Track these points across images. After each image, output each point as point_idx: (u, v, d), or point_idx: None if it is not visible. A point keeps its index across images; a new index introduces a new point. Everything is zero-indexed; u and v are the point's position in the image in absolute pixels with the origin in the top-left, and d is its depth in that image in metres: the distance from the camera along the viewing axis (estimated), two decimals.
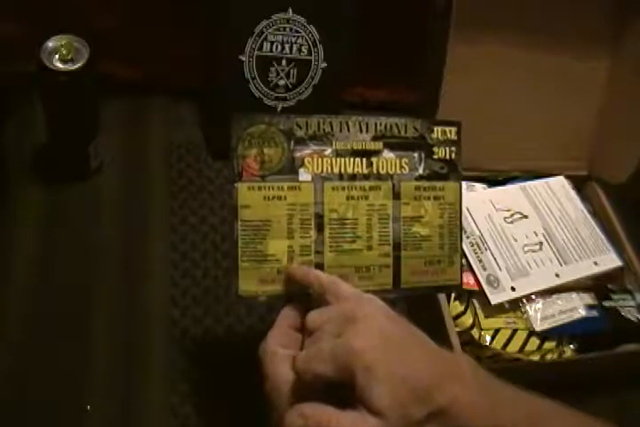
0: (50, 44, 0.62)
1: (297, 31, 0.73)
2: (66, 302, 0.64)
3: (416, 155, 0.53)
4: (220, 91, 0.75)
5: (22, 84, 0.68)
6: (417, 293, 0.54)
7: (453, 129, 0.55)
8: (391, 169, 0.52)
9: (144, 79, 0.78)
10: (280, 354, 0.45)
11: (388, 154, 0.52)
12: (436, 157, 0.54)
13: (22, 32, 0.72)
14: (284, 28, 0.73)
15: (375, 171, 0.52)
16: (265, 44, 0.73)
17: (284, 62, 0.74)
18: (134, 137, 0.78)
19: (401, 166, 0.53)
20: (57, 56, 0.62)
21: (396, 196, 0.53)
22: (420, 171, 0.53)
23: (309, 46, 0.74)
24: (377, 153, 0.52)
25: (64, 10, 0.71)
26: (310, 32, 0.74)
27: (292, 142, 0.50)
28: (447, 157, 0.54)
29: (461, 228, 0.56)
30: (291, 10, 0.72)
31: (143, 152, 0.77)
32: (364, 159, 0.52)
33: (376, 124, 0.52)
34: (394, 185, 0.53)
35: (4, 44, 0.72)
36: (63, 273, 0.66)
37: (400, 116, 0.54)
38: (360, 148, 0.52)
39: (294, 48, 0.74)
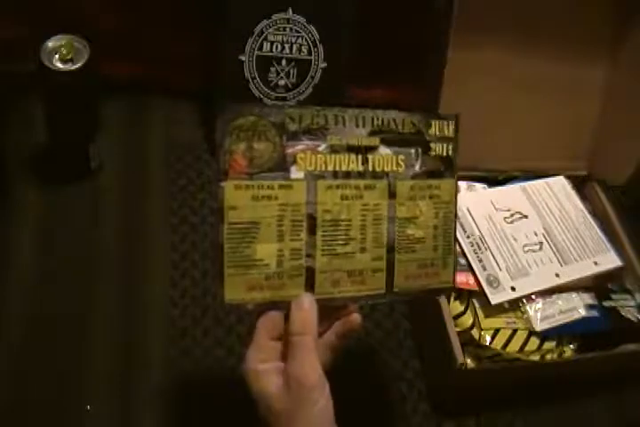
0: (50, 44, 0.62)
1: (297, 31, 0.73)
2: (66, 302, 0.64)
3: (413, 151, 0.51)
4: (220, 91, 0.75)
5: (22, 84, 0.68)
6: (409, 297, 0.52)
7: (451, 126, 0.52)
8: (387, 166, 0.50)
9: (144, 79, 0.78)
10: (261, 370, 0.45)
11: (384, 150, 0.50)
12: (432, 153, 0.51)
13: (22, 32, 0.72)
14: (284, 28, 0.73)
15: (370, 168, 0.49)
16: (265, 44, 0.73)
17: (283, 62, 0.74)
18: (134, 137, 0.78)
19: (397, 164, 0.50)
20: (57, 56, 0.62)
21: (392, 195, 0.50)
22: (417, 168, 0.51)
23: (309, 46, 0.74)
24: (373, 149, 0.49)
25: (64, 10, 0.71)
26: (310, 32, 0.74)
27: (285, 137, 0.46)
28: (444, 153, 0.52)
29: (455, 227, 0.53)
30: (291, 10, 0.72)
31: (143, 152, 0.77)
32: (360, 156, 0.49)
33: (373, 119, 0.49)
34: (389, 184, 0.50)
35: (4, 44, 0.72)
36: (63, 273, 0.66)
37: (398, 110, 0.51)
38: (356, 143, 0.49)
39: (294, 48, 0.74)
